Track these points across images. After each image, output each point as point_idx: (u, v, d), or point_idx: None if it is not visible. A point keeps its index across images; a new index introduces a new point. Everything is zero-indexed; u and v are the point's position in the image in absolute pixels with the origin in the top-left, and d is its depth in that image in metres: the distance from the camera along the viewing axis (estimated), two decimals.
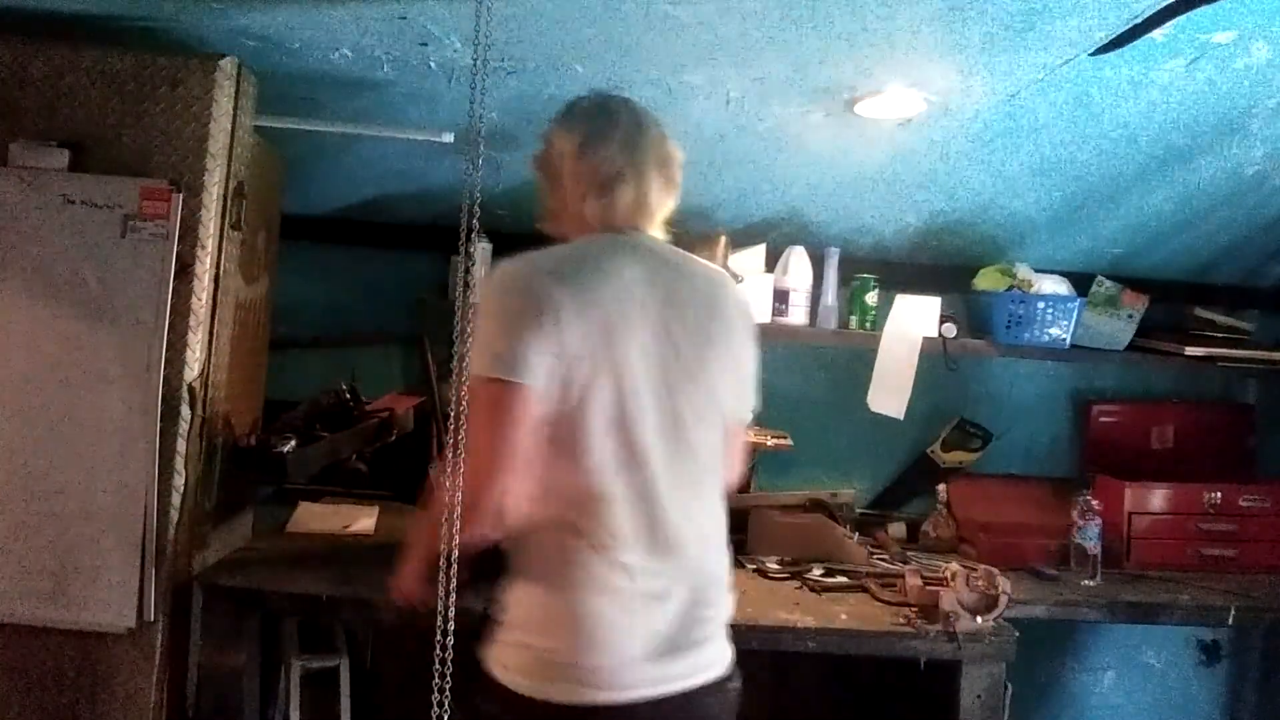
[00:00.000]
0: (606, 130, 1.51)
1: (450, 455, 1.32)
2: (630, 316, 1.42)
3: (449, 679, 1.25)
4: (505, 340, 1.36)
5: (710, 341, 1.49)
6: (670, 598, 1.42)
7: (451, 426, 1.28)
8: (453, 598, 1.31)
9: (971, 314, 2.82)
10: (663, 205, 1.55)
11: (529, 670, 1.38)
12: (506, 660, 1.41)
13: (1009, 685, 2.01)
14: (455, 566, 1.35)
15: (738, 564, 2.18)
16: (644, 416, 1.41)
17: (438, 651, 1.26)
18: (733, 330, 1.53)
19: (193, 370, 1.90)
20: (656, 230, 1.55)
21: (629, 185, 1.50)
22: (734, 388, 1.54)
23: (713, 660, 1.47)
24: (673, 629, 1.41)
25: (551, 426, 1.38)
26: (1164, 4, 1.64)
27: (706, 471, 1.49)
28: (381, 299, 2.81)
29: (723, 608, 1.51)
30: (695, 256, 1.58)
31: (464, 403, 1.27)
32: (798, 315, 2.69)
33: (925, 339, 2.63)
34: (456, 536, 1.36)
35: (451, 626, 1.29)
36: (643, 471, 1.41)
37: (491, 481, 1.35)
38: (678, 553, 1.43)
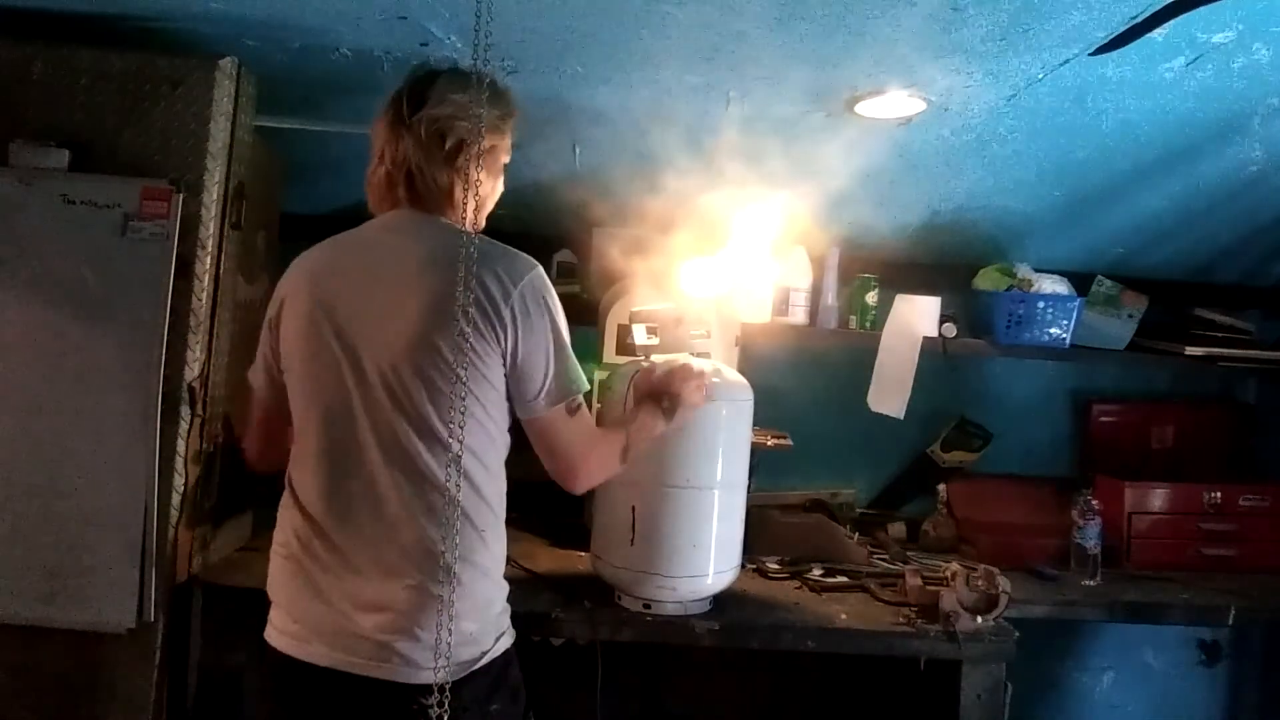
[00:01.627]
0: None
1: (450, 455, 1.33)
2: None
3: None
4: None
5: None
6: None
7: (453, 425, 1.29)
8: (453, 596, 1.31)
9: (971, 314, 2.82)
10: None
11: None
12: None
13: (1009, 685, 2.01)
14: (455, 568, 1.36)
15: None
16: None
17: (437, 651, 1.26)
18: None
19: (193, 370, 1.90)
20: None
21: None
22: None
23: None
24: None
25: None
26: (1164, 4, 1.64)
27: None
28: None
29: None
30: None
31: (463, 400, 1.28)
32: (798, 315, 2.70)
33: (925, 339, 2.63)
34: (457, 537, 1.37)
35: (451, 627, 1.29)
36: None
37: None
38: None
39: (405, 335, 1.45)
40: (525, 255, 1.54)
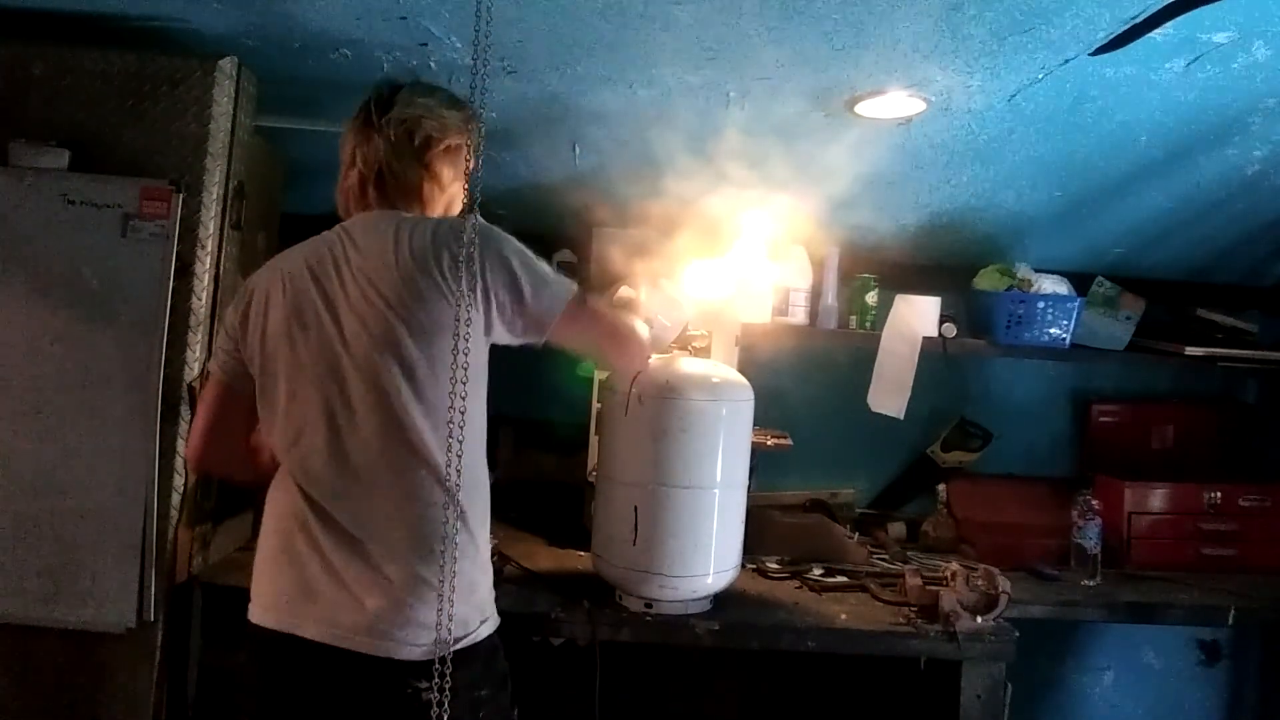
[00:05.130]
0: None
1: (451, 453, 1.33)
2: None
3: (449, 679, 1.25)
4: None
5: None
6: None
7: (453, 421, 1.29)
8: (453, 597, 1.31)
9: (971, 314, 2.82)
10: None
11: None
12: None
13: (1009, 685, 2.01)
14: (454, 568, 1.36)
15: None
16: None
17: (437, 651, 1.26)
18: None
19: (193, 370, 1.90)
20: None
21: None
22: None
23: None
24: None
25: None
26: (1164, 4, 1.65)
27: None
28: None
29: None
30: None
31: (464, 395, 1.28)
32: (798, 315, 2.69)
33: (925, 339, 2.63)
34: (455, 539, 1.37)
35: (451, 626, 1.29)
36: None
37: None
38: None
39: (384, 321, 1.47)
40: (461, 220, 1.58)
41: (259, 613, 1.52)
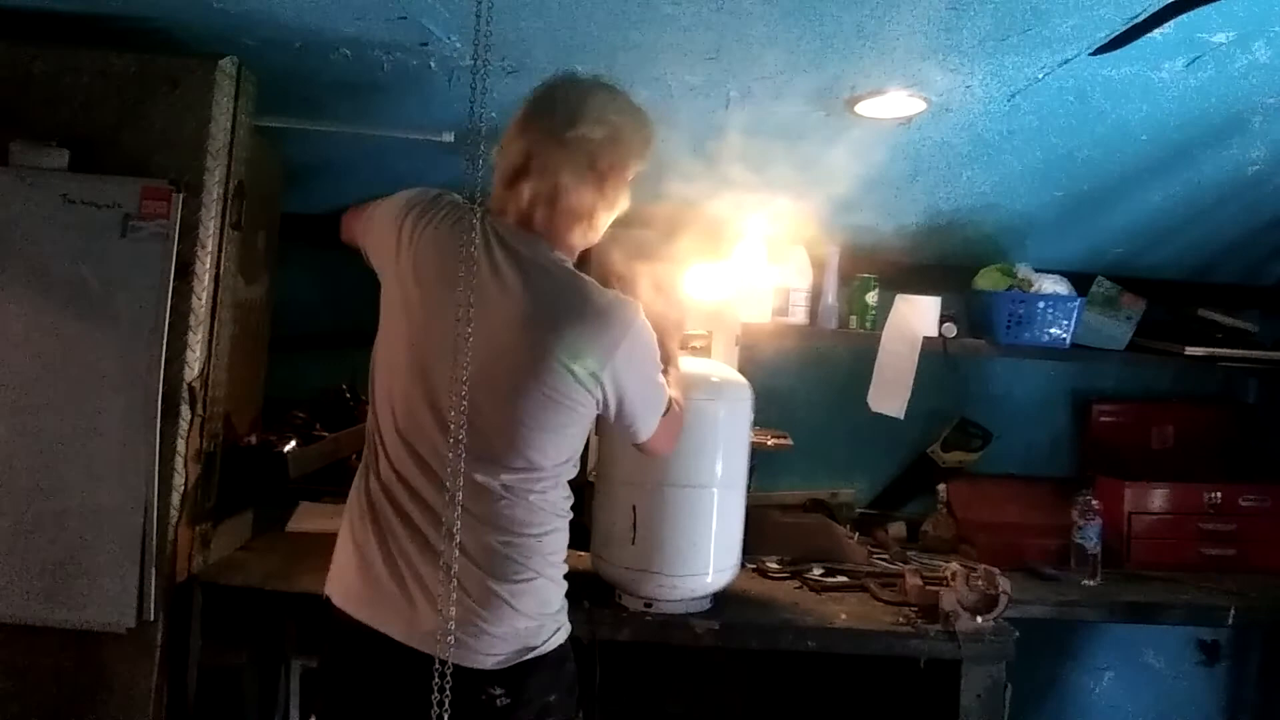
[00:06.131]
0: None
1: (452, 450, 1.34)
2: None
3: (449, 679, 1.25)
4: None
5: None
6: None
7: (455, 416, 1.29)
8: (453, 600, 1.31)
9: (971, 314, 2.82)
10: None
11: None
12: None
13: (1009, 685, 2.01)
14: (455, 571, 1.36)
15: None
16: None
17: (437, 651, 1.26)
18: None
19: (193, 370, 1.90)
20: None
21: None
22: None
23: None
24: None
25: None
26: (1164, 4, 1.64)
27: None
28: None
29: None
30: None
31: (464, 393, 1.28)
32: (798, 315, 2.69)
33: (925, 339, 2.63)
34: (457, 536, 1.37)
35: (451, 626, 1.29)
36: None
37: None
38: None
39: (484, 371, 1.39)
40: (623, 311, 1.49)
41: (340, 595, 1.54)
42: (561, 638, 1.55)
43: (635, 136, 1.54)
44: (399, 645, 1.46)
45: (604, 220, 1.56)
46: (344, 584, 1.55)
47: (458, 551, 1.41)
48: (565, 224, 1.51)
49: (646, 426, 1.59)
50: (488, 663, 1.45)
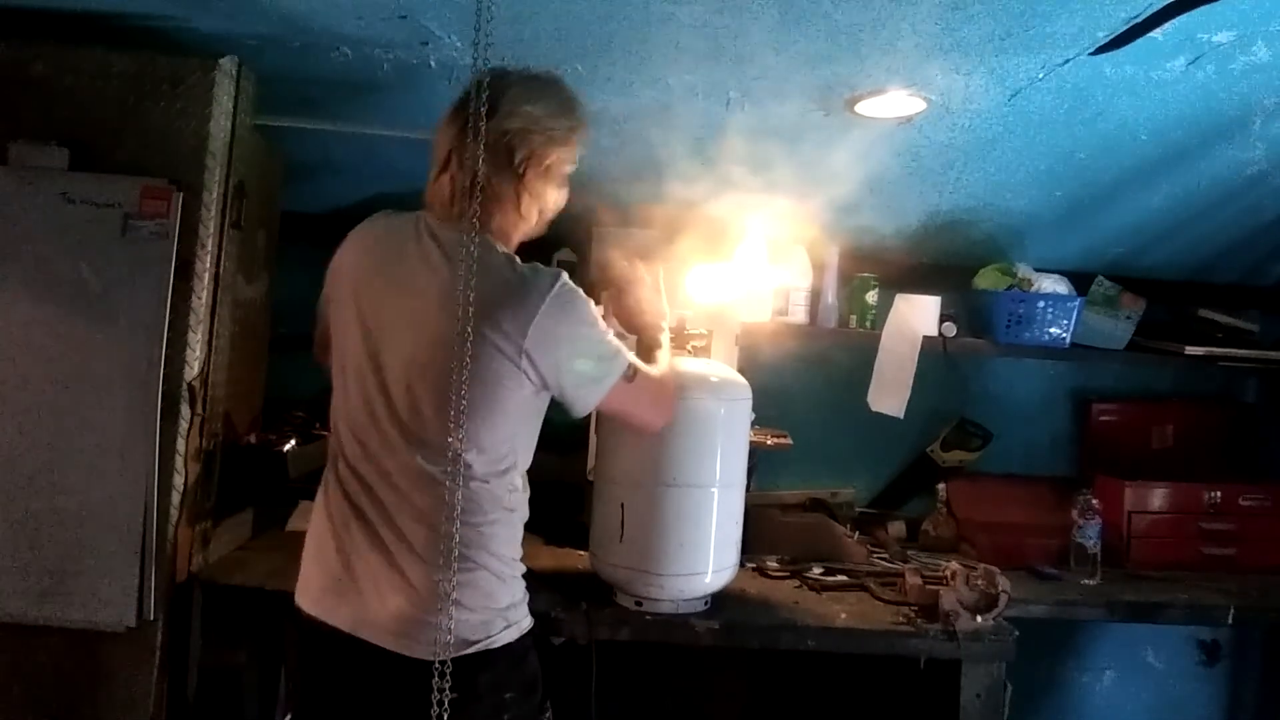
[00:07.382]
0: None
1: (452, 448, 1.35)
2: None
3: (449, 678, 1.25)
4: None
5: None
6: None
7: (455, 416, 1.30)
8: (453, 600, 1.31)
9: (971, 313, 2.82)
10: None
11: None
12: None
13: (1009, 685, 2.01)
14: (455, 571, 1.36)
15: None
16: None
17: (437, 651, 1.26)
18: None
19: (193, 370, 1.90)
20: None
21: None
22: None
23: None
24: None
25: None
26: (1164, 4, 1.64)
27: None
28: None
29: None
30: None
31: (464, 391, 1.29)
32: (798, 315, 2.69)
33: (925, 338, 2.63)
34: (457, 535, 1.38)
35: (452, 626, 1.29)
36: None
37: None
38: None
39: (420, 355, 1.49)
40: (538, 280, 1.51)
41: (297, 594, 1.60)
42: (513, 635, 1.55)
43: (555, 126, 1.57)
44: (346, 636, 1.50)
45: (531, 208, 1.59)
46: (303, 578, 1.61)
47: (398, 539, 1.48)
48: (488, 212, 1.53)
49: (597, 390, 1.57)
50: (429, 654, 1.43)
